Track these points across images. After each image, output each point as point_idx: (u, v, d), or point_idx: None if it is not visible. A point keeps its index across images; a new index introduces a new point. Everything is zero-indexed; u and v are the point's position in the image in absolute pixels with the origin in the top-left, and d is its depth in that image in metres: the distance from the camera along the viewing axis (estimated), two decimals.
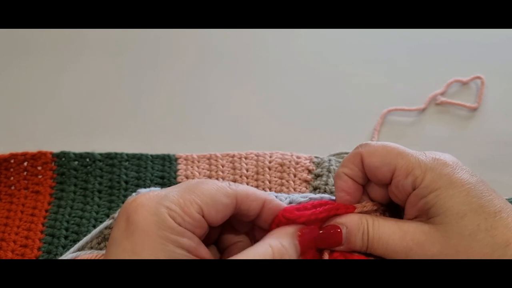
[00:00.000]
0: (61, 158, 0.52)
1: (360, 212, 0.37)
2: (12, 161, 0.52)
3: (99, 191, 0.51)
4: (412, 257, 0.34)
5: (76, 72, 0.64)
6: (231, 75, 0.64)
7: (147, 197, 0.31)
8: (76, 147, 0.53)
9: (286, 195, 0.40)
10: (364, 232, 0.35)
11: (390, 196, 0.37)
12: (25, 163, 0.52)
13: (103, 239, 0.42)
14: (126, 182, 0.51)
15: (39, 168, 0.52)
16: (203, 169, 0.52)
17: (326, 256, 0.36)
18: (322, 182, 0.49)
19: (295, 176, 0.50)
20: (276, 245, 0.32)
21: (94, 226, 0.48)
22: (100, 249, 0.41)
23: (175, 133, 0.58)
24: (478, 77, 0.61)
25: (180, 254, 0.30)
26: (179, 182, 0.51)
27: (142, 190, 0.40)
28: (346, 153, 0.52)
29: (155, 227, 0.29)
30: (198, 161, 0.52)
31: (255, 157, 0.52)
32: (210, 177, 0.51)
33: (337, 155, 0.53)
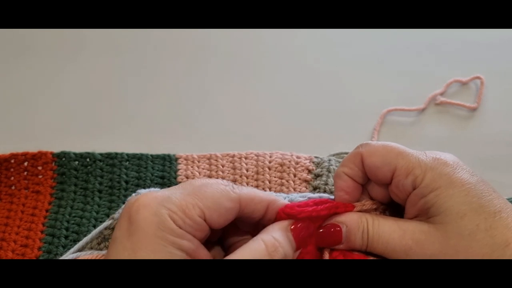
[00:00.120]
0: (62, 158, 0.52)
1: (360, 211, 0.37)
2: (12, 161, 0.52)
3: (100, 191, 0.51)
4: (412, 256, 0.34)
5: (76, 72, 0.64)
6: (231, 75, 0.64)
7: (150, 197, 0.31)
8: (77, 147, 0.53)
9: (285, 195, 0.40)
10: (364, 230, 0.35)
11: (390, 196, 0.37)
12: (26, 163, 0.52)
13: (103, 240, 0.42)
14: (127, 182, 0.51)
15: (40, 168, 0.52)
16: (203, 169, 0.52)
17: (326, 256, 0.36)
18: (322, 182, 0.49)
19: (295, 176, 0.50)
20: (269, 239, 0.32)
21: (95, 226, 0.48)
22: (100, 249, 0.41)
23: (175, 133, 0.58)
24: (478, 77, 0.61)
25: (179, 256, 0.30)
26: (180, 182, 0.51)
27: (142, 191, 0.40)
28: (346, 153, 0.52)
29: (155, 228, 0.30)
30: (198, 161, 0.52)
31: (255, 157, 0.52)
32: (210, 177, 0.51)
33: (337, 155, 0.53)
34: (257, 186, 0.50)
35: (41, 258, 0.46)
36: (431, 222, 0.34)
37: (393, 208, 0.39)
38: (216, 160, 0.52)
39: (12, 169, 0.51)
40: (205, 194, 0.32)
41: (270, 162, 0.51)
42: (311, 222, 0.35)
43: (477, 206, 0.33)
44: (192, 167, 0.52)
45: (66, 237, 0.47)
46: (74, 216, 0.49)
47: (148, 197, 0.31)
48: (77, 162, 0.52)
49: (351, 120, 0.58)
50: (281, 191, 0.50)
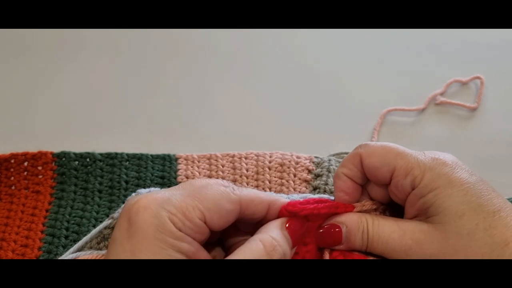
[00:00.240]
0: (62, 158, 0.52)
1: (360, 211, 0.37)
2: (12, 161, 0.52)
3: (100, 191, 0.51)
4: (412, 256, 0.34)
5: (76, 72, 0.64)
6: (231, 75, 0.64)
7: (150, 199, 0.31)
8: (77, 147, 0.53)
9: (285, 196, 0.40)
10: (364, 231, 0.36)
11: (390, 196, 0.37)
12: (26, 163, 0.52)
13: (102, 239, 0.42)
14: (127, 182, 0.51)
15: (40, 168, 0.52)
16: (203, 169, 0.52)
17: (326, 256, 0.36)
18: (322, 182, 0.49)
19: (295, 176, 0.50)
20: (266, 239, 0.32)
21: (95, 226, 0.48)
22: (100, 249, 0.41)
23: (175, 133, 0.58)
24: (478, 77, 0.61)
25: (178, 258, 0.30)
26: (180, 182, 0.51)
27: (142, 191, 0.40)
28: (346, 153, 0.52)
29: (155, 230, 0.30)
30: (198, 161, 0.52)
31: (255, 157, 0.52)
32: (210, 177, 0.51)
33: (337, 155, 0.53)
34: (257, 186, 0.50)
35: (41, 258, 0.46)
36: (430, 222, 0.34)
37: (393, 208, 0.39)
38: (216, 160, 0.52)
39: (12, 169, 0.51)
40: (206, 196, 0.32)
41: (270, 162, 0.51)
42: (306, 220, 0.36)
43: (476, 205, 0.33)
44: (192, 167, 0.52)
45: (66, 237, 0.47)
46: (74, 216, 0.49)
47: (148, 199, 0.31)
48: (77, 162, 0.52)
49: (351, 120, 0.58)
50: (281, 191, 0.50)
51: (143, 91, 0.62)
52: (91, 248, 0.42)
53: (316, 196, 0.40)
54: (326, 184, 0.49)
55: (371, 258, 0.36)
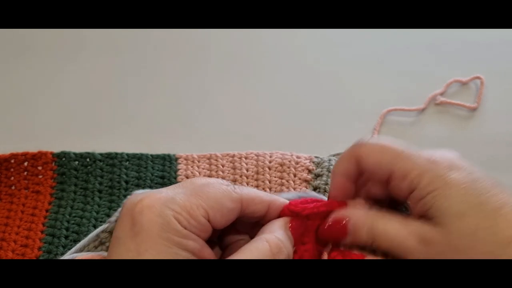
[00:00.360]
0: (62, 158, 0.52)
1: None
2: (12, 161, 0.52)
3: (100, 191, 0.51)
4: (416, 256, 0.34)
5: (76, 72, 0.64)
6: (231, 75, 0.64)
7: (154, 198, 0.31)
8: (77, 147, 0.53)
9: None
10: (370, 226, 0.35)
11: (391, 194, 0.37)
12: (26, 163, 0.52)
13: (100, 243, 0.42)
14: (127, 182, 0.51)
15: (40, 168, 0.52)
16: (203, 169, 0.52)
17: (325, 256, 0.37)
18: (322, 182, 0.49)
19: (295, 176, 0.50)
20: (272, 240, 0.33)
21: (95, 226, 0.48)
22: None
23: (175, 133, 0.58)
24: (478, 77, 0.61)
25: (185, 256, 0.30)
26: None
27: (140, 191, 0.40)
28: None
29: (160, 229, 0.30)
30: (198, 161, 0.52)
31: (255, 157, 0.52)
32: (210, 176, 0.51)
33: (337, 155, 0.53)
34: (257, 186, 0.50)
35: (41, 258, 0.46)
36: (432, 223, 0.34)
37: (392, 207, 0.39)
38: (216, 160, 0.52)
39: (12, 169, 0.51)
40: (208, 194, 0.32)
41: (270, 162, 0.51)
42: (306, 219, 0.36)
43: (477, 204, 0.33)
44: (192, 167, 0.52)
45: (66, 237, 0.47)
46: (74, 216, 0.49)
47: (151, 198, 0.31)
48: (77, 162, 0.52)
49: (351, 120, 0.58)
50: (281, 191, 0.50)
51: (143, 91, 0.62)
52: (88, 251, 0.42)
53: (302, 193, 0.40)
54: (326, 184, 0.49)
55: (370, 258, 0.37)
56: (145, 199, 0.31)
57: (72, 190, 0.51)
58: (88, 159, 0.52)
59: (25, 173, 0.52)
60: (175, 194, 0.31)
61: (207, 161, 0.52)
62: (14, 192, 0.50)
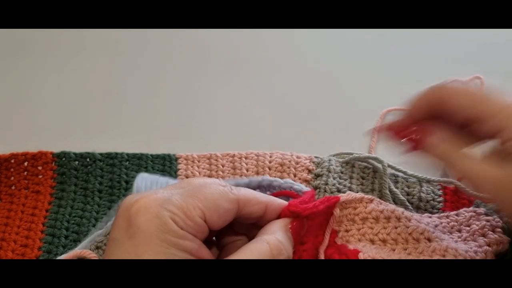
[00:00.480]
0: (62, 158, 0.52)
1: (345, 201, 0.40)
2: (12, 161, 0.52)
3: (100, 191, 0.51)
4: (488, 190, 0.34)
5: (76, 72, 0.64)
6: (232, 75, 0.64)
7: (150, 199, 0.31)
8: (77, 147, 0.53)
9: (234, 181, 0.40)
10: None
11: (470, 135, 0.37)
12: (26, 163, 0.52)
13: (96, 248, 0.42)
14: (127, 182, 0.51)
15: (40, 168, 0.52)
16: (203, 168, 0.52)
17: (321, 256, 0.37)
18: (322, 182, 0.49)
19: (295, 176, 0.50)
20: (273, 241, 0.33)
21: (95, 226, 0.48)
22: None
23: (175, 133, 0.58)
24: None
25: (182, 257, 0.30)
26: None
27: (143, 175, 0.39)
28: (346, 153, 0.53)
29: (157, 230, 0.29)
30: (198, 161, 0.52)
31: (255, 157, 0.52)
32: (210, 176, 0.51)
33: (337, 155, 0.53)
34: None
35: (41, 258, 0.46)
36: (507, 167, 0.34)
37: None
38: (216, 160, 0.52)
39: (12, 169, 0.51)
40: (205, 195, 0.32)
41: (270, 162, 0.51)
42: (306, 219, 0.36)
43: None
44: (192, 166, 0.52)
45: (66, 237, 0.47)
46: (74, 216, 0.49)
47: (148, 199, 0.31)
48: (77, 162, 0.52)
49: (351, 120, 0.58)
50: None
51: (143, 91, 0.62)
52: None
53: (259, 178, 0.41)
54: (326, 184, 0.49)
55: (366, 255, 0.37)
56: (141, 200, 0.31)
57: (72, 190, 0.51)
58: (88, 159, 0.52)
59: (25, 173, 0.52)
60: (172, 195, 0.31)
61: (207, 161, 0.52)
62: (14, 192, 0.50)
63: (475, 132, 0.36)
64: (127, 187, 0.51)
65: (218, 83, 0.63)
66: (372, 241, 0.40)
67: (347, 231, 0.40)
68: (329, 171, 0.50)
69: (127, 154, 0.53)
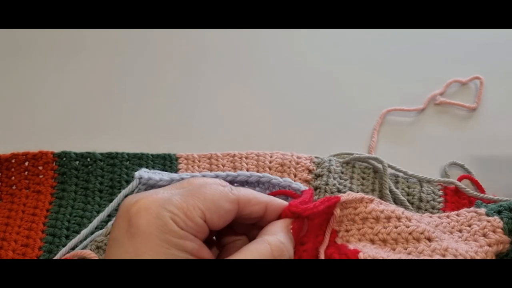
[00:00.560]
0: (62, 158, 0.52)
1: (345, 201, 0.40)
2: (13, 161, 0.52)
3: (100, 191, 0.51)
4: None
5: (76, 72, 0.64)
6: (232, 75, 0.64)
7: (150, 200, 0.31)
8: (77, 147, 0.53)
9: (213, 174, 0.40)
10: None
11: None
12: (26, 163, 0.52)
13: (96, 248, 0.42)
14: (127, 182, 0.51)
15: (40, 168, 0.52)
16: (203, 168, 0.52)
17: (322, 256, 0.37)
18: (323, 182, 0.49)
19: (295, 176, 0.50)
20: (275, 242, 0.33)
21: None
22: None
23: (175, 133, 0.58)
24: (477, 77, 0.61)
25: (183, 257, 0.30)
26: None
27: (144, 170, 0.39)
28: (346, 153, 0.53)
29: (157, 230, 0.30)
30: (199, 161, 0.53)
31: (256, 157, 0.52)
32: None
33: (337, 155, 0.53)
34: None
35: (41, 257, 0.46)
36: None
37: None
38: (216, 160, 0.52)
39: (13, 169, 0.51)
40: (205, 195, 0.32)
41: (270, 162, 0.51)
42: (307, 219, 0.36)
43: None
44: (192, 166, 0.52)
45: (66, 236, 0.47)
46: (75, 216, 0.49)
47: (148, 200, 0.31)
48: (77, 162, 0.52)
49: (351, 120, 0.58)
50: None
51: (143, 91, 0.62)
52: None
53: (248, 173, 0.40)
54: (327, 184, 0.49)
55: (367, 257, 0.37)
56: (142, 200, 0.31)
57: (73, 190, 0.51)
58: (88, 159, 0.52)
59: (26, 173, 0.52)
60: (172, 195, 0.31)
61: (208, 160, 0.52)
62: (15, 192, 0.51)
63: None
64: None
65: (218, 83, 0.63)
66: (372, 241, 0.40)
67: (347, 231, 0.40)
68: (330, 171, 0.50)
69: (128, 154, 0.53)
